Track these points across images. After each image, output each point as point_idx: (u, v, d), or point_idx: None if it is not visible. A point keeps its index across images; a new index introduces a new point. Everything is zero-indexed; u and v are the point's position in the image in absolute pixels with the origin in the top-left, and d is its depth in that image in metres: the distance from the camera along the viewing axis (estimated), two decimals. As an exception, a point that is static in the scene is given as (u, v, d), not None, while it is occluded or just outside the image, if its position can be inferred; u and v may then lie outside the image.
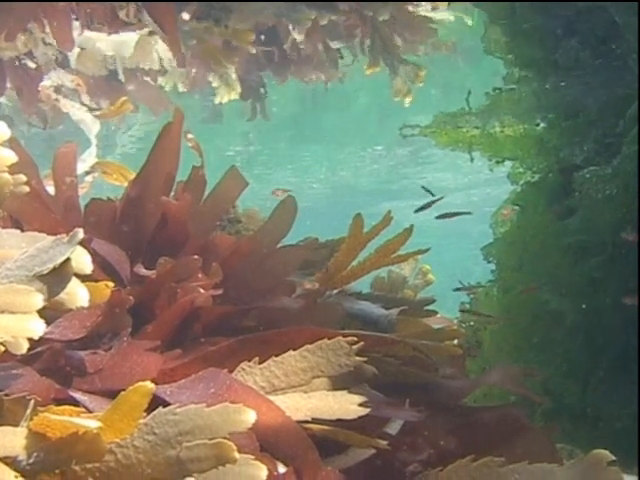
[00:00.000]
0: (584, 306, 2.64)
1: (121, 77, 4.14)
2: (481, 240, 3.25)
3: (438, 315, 2.32)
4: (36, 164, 1.89)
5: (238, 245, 1.98)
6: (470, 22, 5.10)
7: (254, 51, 4.24)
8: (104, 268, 1.65)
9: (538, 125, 3.14)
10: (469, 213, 2.73)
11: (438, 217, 2.33)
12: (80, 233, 1.16)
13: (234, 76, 4.47)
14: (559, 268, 2.73)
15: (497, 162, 3.12)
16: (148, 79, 4.57)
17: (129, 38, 3.63)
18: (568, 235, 2.70)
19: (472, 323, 2.96)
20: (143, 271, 1.70)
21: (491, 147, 3.09)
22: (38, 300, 1.11)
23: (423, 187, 3.61)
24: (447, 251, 14.35)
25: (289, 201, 2.06)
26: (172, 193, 2.02)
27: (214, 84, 4.71)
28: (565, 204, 2.79)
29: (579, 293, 2.66)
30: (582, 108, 2.88)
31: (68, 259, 1.15)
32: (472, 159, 3.13)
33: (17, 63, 3.85)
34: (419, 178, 13.81)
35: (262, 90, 5.16)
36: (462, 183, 13.83)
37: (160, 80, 4.74)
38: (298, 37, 4.38)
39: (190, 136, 2.59)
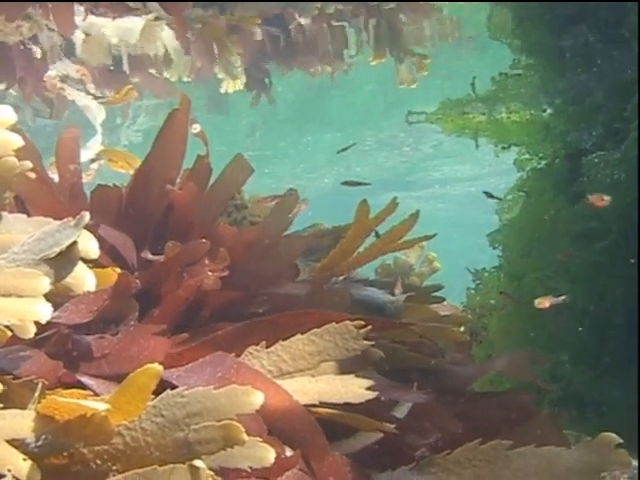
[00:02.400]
0: (591, 292, 2.63)
1: (125, 67, 4.13)
2: (488, 230, 3.24)
3: (445, 302, 2.32)
4: (40, 152, 1.88)
5: (242, 234, 1.98)
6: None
7: (260, 37, 4.22)
8: (110, 254, 1.65)
9: (545, 111, 3.12)
10: (369, 184, 2.84)
11: (343, 183, 2.49)
12: (86, 217, 1.16)
13: (238, 62, 4.46)
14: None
15: (503, 148, 3.10)
16: (153, 70, 4.56)
17: (134, 24, 3.60)
18: (576, 221, 2.69)
19: (477, 309, 2.96)
20: (150, 256, 1.70)
21: (497, 133, 3.08)
22: (45, 283, 1.11)
23: (341, 150, 3.81)
24: (454, 240, 14.31)
25: (291, 194, 2.07)
26: (178, 180, 2.02)
27: (219, 75, 4.70)
28: (572, 190, 2.77)
29: (586, 279, 2.65)
30: (589, 93, 2.85)
31: (74, 242, 1.15)
32: (477, 146, 3.12)
33: (22, 47, 3.82)
34: (436, 170, 13.78)
35: (266, 80, 5.14)
36: (479, 174, 13.78)
37: (165, 73, 4.73)
38: (304, 22, 4.36)
39: (195, 125, 2.58)
